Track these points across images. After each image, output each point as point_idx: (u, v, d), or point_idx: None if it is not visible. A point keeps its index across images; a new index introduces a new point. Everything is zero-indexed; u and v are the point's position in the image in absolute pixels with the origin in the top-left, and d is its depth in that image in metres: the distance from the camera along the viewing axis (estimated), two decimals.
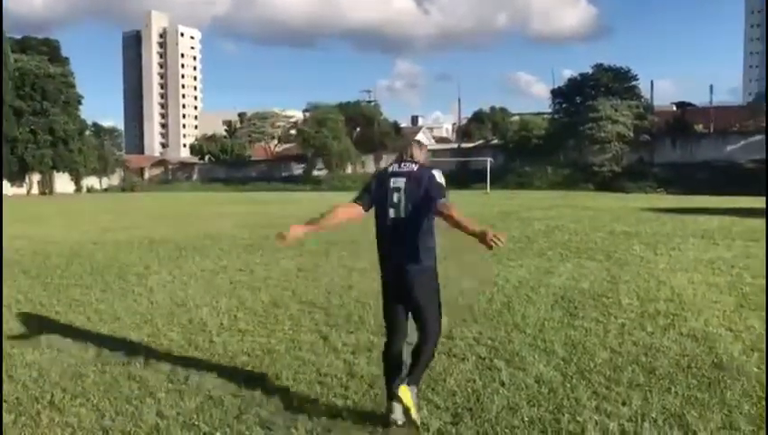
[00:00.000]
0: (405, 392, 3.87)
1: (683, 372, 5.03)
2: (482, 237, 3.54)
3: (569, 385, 4.76)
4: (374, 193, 4.22)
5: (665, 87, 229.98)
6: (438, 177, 4.11)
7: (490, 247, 3.53)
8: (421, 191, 4.00)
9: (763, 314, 6.90)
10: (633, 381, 4.83)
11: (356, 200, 4.28)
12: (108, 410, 4.35)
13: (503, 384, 4.80)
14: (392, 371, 4.13)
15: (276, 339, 6.17)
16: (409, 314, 4.18)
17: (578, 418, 4.14)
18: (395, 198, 4.07)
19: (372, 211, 4.25)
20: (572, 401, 4.43)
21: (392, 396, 3.97)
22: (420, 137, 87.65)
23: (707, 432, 3.92)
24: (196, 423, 4.11)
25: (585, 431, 3.93)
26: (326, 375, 5.04)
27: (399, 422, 3.97)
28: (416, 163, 4.18)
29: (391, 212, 4.08)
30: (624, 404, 4.38)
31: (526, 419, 4.13)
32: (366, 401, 4.49)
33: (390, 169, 4.24)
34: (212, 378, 5.01)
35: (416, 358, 4.08)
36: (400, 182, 4.09)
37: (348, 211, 4.26)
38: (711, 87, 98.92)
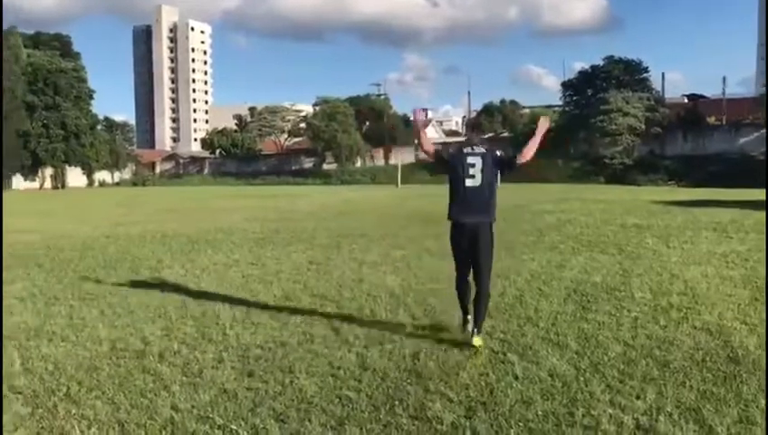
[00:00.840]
0: (477, 341, 5.45)
1: (697, 366, 5.00)
2: (540, 132, 5.66)
3: (582, 379, 4.75)
4: (450, 161, 5.68)
5: (677, 79, 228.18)
6: (501, 153, 5.64)
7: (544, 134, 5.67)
8: (492, 167, 5.54)
9: None
10: (647, 375, 4.81)
11: (436, 146, 6.07)
12: (123, 403, 4.38)
13: (516, 378, 4.79)
14: (464, 297, 5.87)
15: (288, 332, 6.18)
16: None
17: (592, 411, 4.13)
18: (470, 171, 5.51)
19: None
20: (586, 395, 4.42)
21: (466, 320, 5.87)
22: (430, 130, 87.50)
23: (724, 427, 3.89)
24: (211, 416, 4.13)
25: (599, 425, 3.91)
26: (339, 368, 5.04)
27: (470, 330, 5.66)
28: (484, 148, 5.64)
29: (468, 181, 5.52)
30: (638, 398, 4.36)
31: (540, 412, 4.12)
32: (379, 394, 4.49)
33: (465, 150, 5.62)
34: (226, 371, 5.03)
35: (477, 305, 5.63)
36: (475, 160, 5.53)
37: (430, 145, 5.88)
38: (724, 79, 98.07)
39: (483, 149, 5.58)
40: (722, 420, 3.95)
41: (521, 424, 3.94)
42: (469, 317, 5.77)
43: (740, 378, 4.69)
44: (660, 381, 4.70)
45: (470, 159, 5.52)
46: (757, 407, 4.16)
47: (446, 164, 5.69)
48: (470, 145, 5.65)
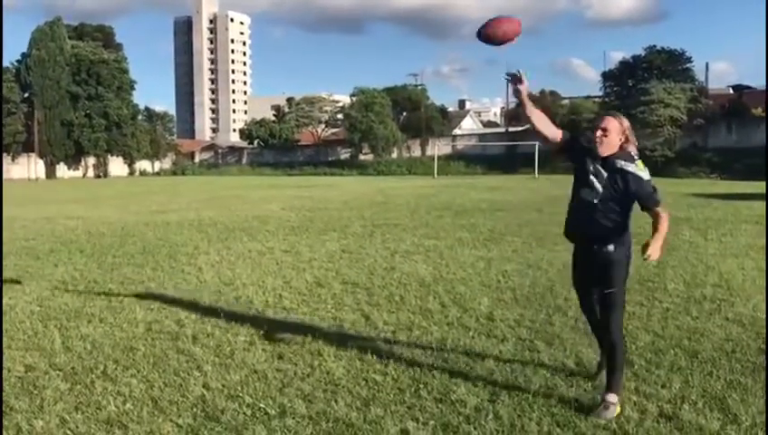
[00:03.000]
0: (612, 399, 3.94)
1: (726, 357, 4.97)
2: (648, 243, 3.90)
3: None
4: (575, 154, 4.21)
5: (723, 69, 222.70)
6: (645, 176, 3.99)
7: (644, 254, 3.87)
8: (623, 188, 3.96)
9: None
10: (674, 365, 4.79)
11: (563, 132, 4.27)
12: (157, 382, 4.53)
13: (542, 365, 4.82)
14: (594, 327, 4.49)
15: (319, 317, 6.30)
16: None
17: None
18: (589, 180, 4.07)
19: None
20: None
21: (600, 365, 4.48)
22: (467, 121, 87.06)
23: (749, 416, 3.87)
24: (240, 395, 4.25)
25: (623, 411, 3.93)
26: (366, 352, 5.13)
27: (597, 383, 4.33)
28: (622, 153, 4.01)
29: (585, 193, 4.10)
30: (664, 386, 4.36)
31: (563, 398, 4.15)
32: (405, 378, 4.56)
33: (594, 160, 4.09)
34: (257, 353, 5.16)
35: (609, 362, 4.12)
36: (600, 171, 4.04)
37: (552, 129, 4.25)
38: None
39: (621, 165, 3.96)
40: (747, 410, 3.93)
41: (543, 409, 3.98)
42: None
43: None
44: (687, 370, 4.68)
45: (594, 168, 4.04)
46: None
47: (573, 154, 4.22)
48: (612, 157, 4.00)
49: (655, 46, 56.89)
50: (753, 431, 3.70)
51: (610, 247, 4.05)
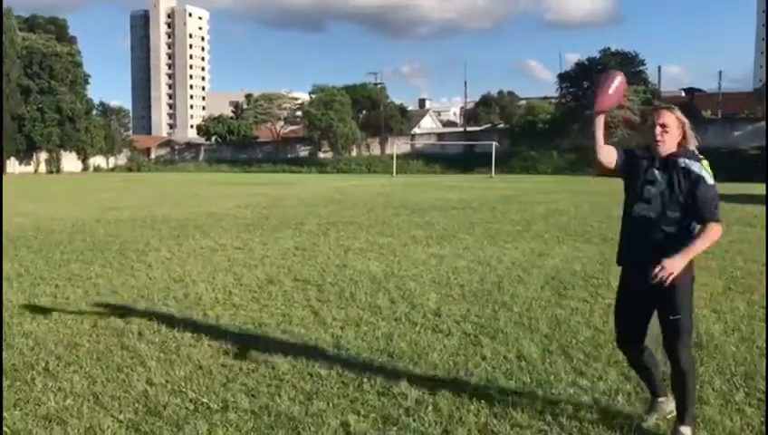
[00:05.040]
0: (686, 432, 3.54)
1: (662, 351, 5.13)
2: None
3: (548, 360, 4.89)
4: (629, 167, 3.60)
5: (676, 73, 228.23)
6: (709, 179, 3.42)
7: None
8: (685, 190, 3.40)
9: (750, 296, 7.01)
10: (612, 358, 4.93)
11: (617, 151, 3.62)
12: (99, 377, 4.50)
13: (484, 359, 4.92)
14: (642, 373, 3.91)
15: (268, 314, 6.31)
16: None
17: (553, 391, 4.27)
18: (645, 192, 3.49)
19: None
20: (550, 376, 4.55)
21: (652, 405, 3.86)
22: (426, 120, 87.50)
23: None
24: (184, 390, 4.25)
25: (559, 404, 4.05)
26: (313, 348, 5.17)
27: (645, 425, 3.74)
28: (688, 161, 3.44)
29: (639, 208, 3.52)
30: (600, 379, 4.50)
31: (503, 390, 4.25)
32: (349, 372, 4.61)
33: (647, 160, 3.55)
34: (202, 349, 5.15)
35: (679, 393, 3.62)
36: (658, 175, 3.47)
37: (613, 156, 3.59)
38: (720, 73, 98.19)
39: (684, 163, 3.43)
40: None
41: (482, 401, 4.07)
42: (661, 400, 3.85)
43: (700, 361, 4.82)
44: (624, 364, 4.81)
45: (651, 174, 3.49)
46: (712, 388, 4.30)
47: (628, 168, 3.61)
48: (670, 154, 3.47)
49: (609, 48, 58.12)
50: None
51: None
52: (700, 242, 3.34)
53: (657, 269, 3.23)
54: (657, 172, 3.47)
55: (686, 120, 3.52)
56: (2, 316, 5.98)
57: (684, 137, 3.51)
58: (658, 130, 3.46)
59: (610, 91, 3.55)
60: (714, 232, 3.35)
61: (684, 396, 3.58)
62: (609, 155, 3.58)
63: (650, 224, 3.46)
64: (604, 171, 3.64)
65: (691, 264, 3.42)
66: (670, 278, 3.23)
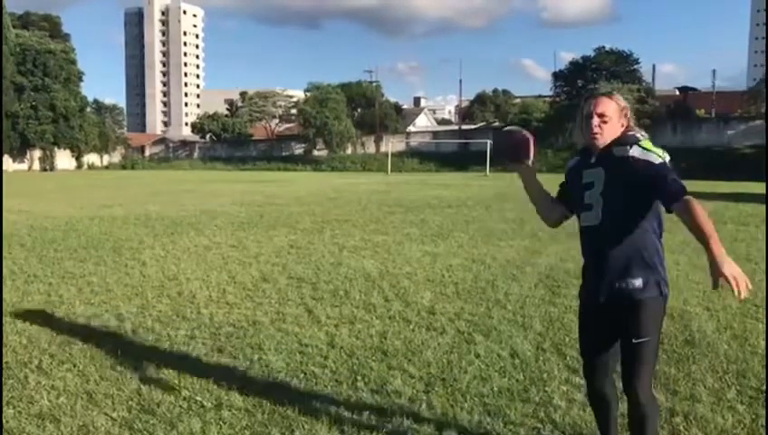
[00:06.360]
0: None
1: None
2: (713, 268, 2.49)
3: (542, 358, 4.90)
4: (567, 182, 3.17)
5: (671, 71, 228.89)
6: (655, 159, 2.81)
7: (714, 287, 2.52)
8: (626, 183, 2.84)
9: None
10: None
11: (558, 199, 3.19)
12: (93, 375, 4.50)
13: (477, 356, 4.94)
14: (600, 412, 3.27)
15: (262, 311, 6.31)
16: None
17: (546, 388, 4.28)
18: (584, 198, 2.99)
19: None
20: (543, 374, 4.57)
21: None
22: (421, 118, 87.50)
23: (671, 404, 4.05)
24: (177, 388, 4.25)
25: (551, 401, 4.06)
26: (307, 346, 5.18)
27: None
28: (626, 150, 2.86)
29: (584, 218, 3.01)
30: None
31: (496, 388, 4.26)
32: (343, 370, 4.63)
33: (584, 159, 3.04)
34: (196, 347, 5.16)
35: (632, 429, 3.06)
36: (594, 175, 2.95)
37: (558, 211, 3.21)
38: (714, 72, 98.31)
39: (622, 153, 2.86)
40: (668, 398, 4.11)
41: (476, 399, 4.09)
42: None
43: (693, 359, 4.86)
44: None
45: (587, 176, 2.99)
46: (704, 386, 4.32)
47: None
48: (605, 149, 2.92)
49: (604, 47, 58.25)
50: (674, 421, 3.86)
51: (637, 282, 2.88)
52: (702, 222, 2.59)
53: (735, 291, 2.44)
54: (591, 172, 2.95)
55: (626, 105, 2.97)
56: (2, 317, 5.97)
57: (628, 125, 2.94)
58: (596, 120, 2.89)
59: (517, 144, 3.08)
60: (696, 204, 2.63)
61: None
62: (557, 212, 3.17)
63: (597, 233, 2.93)
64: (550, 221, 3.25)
65: (661, 274, 2.92)
66: (747, 287, 2.44)
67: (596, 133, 2.89)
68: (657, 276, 2.90)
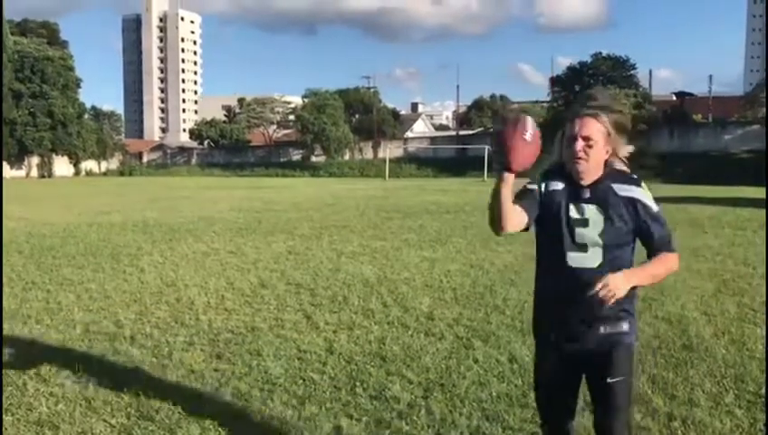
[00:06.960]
0: None
1: (652, 353, 5.17)
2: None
3: None
4: (539, 203, 2.72)
5: (668, 77, 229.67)
6: (655, 207, 2.71)
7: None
8: (633, 228, 2.65)
9: (740, 299, 7.06)
10: None
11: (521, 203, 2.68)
12: (91, 382, 4.49)
13: (476, 362, 4.94)
14: None
15: (261, 318, 6.32)
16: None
17: None
18: (578, 232, 2.65)
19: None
20: None
21: None
22: (419, 124, 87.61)
23: (669, 408, 4.06)
24: (176, 395, 4.25)
25: None
26: (306, 352, 5.19)
27: None
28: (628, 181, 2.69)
29: (574, 259, 2.65)
30: None
31: (494, 393, 4.27)
32: (342, 376, 4.63)
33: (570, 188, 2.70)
34: (195, 354, 5.16)
35: None
36: (589, 212, 2.65)
37: (520, 219, 2.65)
38: (710, 77, 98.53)
39: (626, 194, 2.67)
40: (666, 403, 4.12)
41: (474, 404, 4.10)
42: None
43: (690, 364, 4.87)
44: None
45: (578, 211, 2.67)
46: (702, 390, 4.33)
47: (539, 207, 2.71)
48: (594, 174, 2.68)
49: (601, 53, 58.39)
50: (672, 425, 3.87)
51: (624, 326, 2.69)
52: (656, 266, 2.61)
53: (598, 286, 2.41)
54: (584, 207, 2.64)
55: (612, 131, 2.63)
56: (1, 324, 5.97)
57: (612, 151, 2.67)
58: (580, 144, 2.61)
59: (527, 137, 2.52)
60: (673, 261, 2.66)
61: None
62: (518, 218, 2.63)
63: (592, 276, 2.52)
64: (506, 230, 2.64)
65: (634, 326, 2.72)
66: (612, 300, 2.43)
67: (579, 158, 2.61)
68: (633, 318, 2.73)
